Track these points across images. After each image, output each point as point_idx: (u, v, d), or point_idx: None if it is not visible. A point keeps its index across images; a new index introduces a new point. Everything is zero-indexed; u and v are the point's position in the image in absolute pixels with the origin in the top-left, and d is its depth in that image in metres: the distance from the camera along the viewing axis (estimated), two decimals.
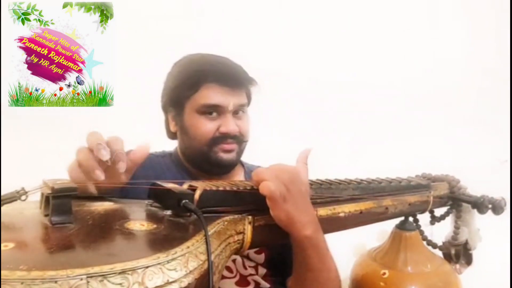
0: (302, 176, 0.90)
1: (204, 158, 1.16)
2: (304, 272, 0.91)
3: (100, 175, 0.76)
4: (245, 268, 1.14)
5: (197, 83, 1.13)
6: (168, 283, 0.55)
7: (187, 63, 1.21)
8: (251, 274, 1.14)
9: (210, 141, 1.14)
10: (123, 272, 0.52)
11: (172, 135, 1.25)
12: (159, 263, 0.55)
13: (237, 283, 1.12)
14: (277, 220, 0.82)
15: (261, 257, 1.15)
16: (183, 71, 1.19)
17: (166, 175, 1.17)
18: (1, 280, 0.47)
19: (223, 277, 1.09)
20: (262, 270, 1.15)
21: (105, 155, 0.76)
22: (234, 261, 1.13)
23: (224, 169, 1.19)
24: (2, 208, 0.65)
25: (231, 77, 1.14)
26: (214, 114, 1.13)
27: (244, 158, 1.28)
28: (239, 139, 1.17)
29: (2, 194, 0.68)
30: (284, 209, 0.81)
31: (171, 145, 1.29)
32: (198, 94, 1.13)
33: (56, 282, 0.48)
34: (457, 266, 1.23)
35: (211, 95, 1.13)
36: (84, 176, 0.78)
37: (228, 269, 1.12)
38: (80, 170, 0.78)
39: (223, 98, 1.13)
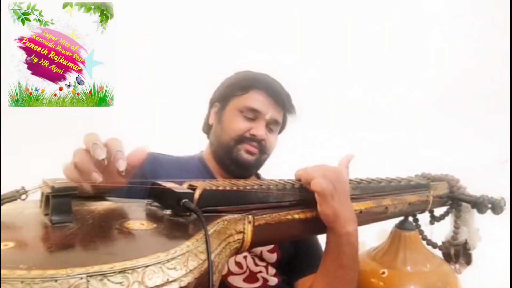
0: (345, 176, 0.97)
1: (227, 152, 1.24)
2: (334, 269, 0.94)
3: (97, 177, 0.76)
4: (256, 266, 1.17)
5: (248, 86, 1.26)
6: (168, 282, 0.55)
7: (245, 72, 1.35)
8: (260, 272, 1.16)
9: (239, 137, 1.24)
10: (123, 271, 0.52)
11: (207, 128, 1.35)
12: (159, 262, 0.55)
13: (245, 279, 1.14)
14: (323, 216, 0.87)
15: (273, 257, 1.19)
16: (240, 75, 1.32)
17: (189, 177, 1.19)
18: (1, 279, 0.47)
19: (232, 273, 1.13)
20: (272, 270, 1.18)
21: (101, 154, 0.76)
22: (245, 258, 1.16)
23: (242, 169, 1.25)
24: (2, 207, 0.65)
25: (277, 93, 1.27)
26: (251, 116, 1.24)
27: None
28: (263, 148, 1.26)
29: (2, 193, 0.68)
30: (332, 206, 0.86)
31: (174, 144, 1.30)
32: (245, 95, 1.26)
33: (56, 281, 0.48)
34: (457, 265, 1.23)
35: (256, 99, 1.25)
36: (80, 177, 0.78)
37: (239, 265, 1.15)
38: (76, 171, 0.78)
39: (264, 105, 1.24)
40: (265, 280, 1.16)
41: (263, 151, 1.26)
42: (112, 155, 0.78)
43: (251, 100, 1.25)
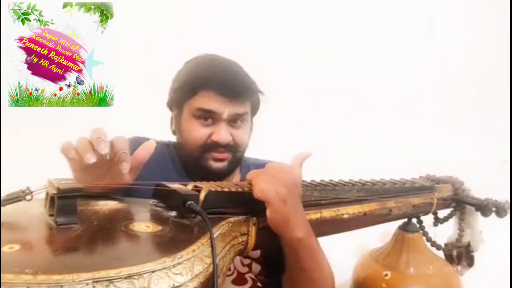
0: (299, 177, 0.89)
1: (195, 163, 1.15)
2: (297, 272, 0.90)
3: (90, 157, 0.75)
4: (243, 265, 1.13)
5: (195, 88, 1.13)
6: (174, 287, 0.55)
7: (192, 66, 1.20)
8: (248, 272, 1.13)
9: (202, 147, 1.13)
10: (129, 276, 0.51)
11: (174, 132, 1.25)
12: (165, 268, 0.55)
13: (233, 281, 1.11)
14: (273, 222, 0.80)
15: (256, 253, 1.14)
16: (187, 74, 1.18)
17: (163, 165, 1.18)
18: (8, 284, 0.46)
19: None
20: (257, 267, 1.14)
21: (104, 148, 0.75)
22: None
23: (215, 177, 1.16)
24: (6, 208, 0.65)
25: (231, 87, 1.12)
26: (210, 120, 1.13)
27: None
28: (233, 149, 1.15)
29: (3, 194, 0.67)
30: (283, 211, 0.79)
31: None
32: (195, 98, 1.13)
33: (62, 286, 0.48)
34: (459, 267, 1.23)
35: (207, 101, 1.11)
36: (76, 160, 0.78)
37: None
38: (73, 151, 0.77)
39: (218, 105, 1.11)
40: (254, 281, 1.12)
41: (235, 151, 1.16)
42: (117, 157, 0.77)
43: (202, 101, 1.12)
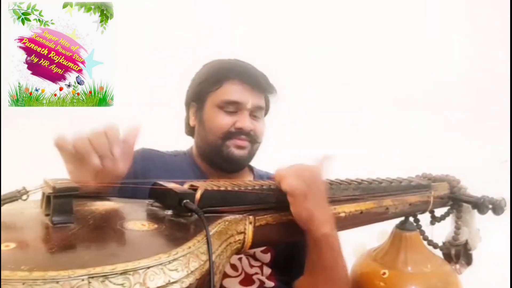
0: (322, 176, 0.92)
1: (217, 152, 1.19)
2: (317, 271, 0.92)
3: (97, 162, 0.78)
4: (251, 267, 1.15)
5: (220, 79, 1.19)
6: (170, 283, 0.56)
7: (214, 63, 1.27)
8: (256, 273, 1.14)
9: (225, 134, 1.17)
10: (124, 272, 0.52)
11: (190, 130, 1.29)
12: (160, 264, 0.55)
13: (241, 282, 1.12)
14: (297, 217, 0.84)
15: (267, 257, 1.16)
16: (210, 69, 1.25)
17: (177, 174, 1.18)
18: (3, 281, 0.47)
19: (228, 276, 1.11)
20: (267, 270, 1.16)
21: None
22: (240, 259, 1.14)
23: (235, 165, 1.21)
24: (3, 207, 0.65)
25: (253, 77, 1.20)
26: (233, 109, 1.18)
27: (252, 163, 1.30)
28: (253, 138, 1.20)
29: (2, 194, 0.68)
30: (305, 207, 0.83)
31: (174, 144, 1.30)
32: (220, 89, 1.19)
33: (57, 282, 0.48)
34: (457, 266, 1.23)
35: (232, 91, 1.18)
36: (71, 153, 0.79)
37: (234, 267, 1.13)
38: (70, 148, 0.79)
39: (242, 95, 1.18)
40: (262, 282, 1.14)
41: (253, 141, 1.21)
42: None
43: (227, 93, 1.18)
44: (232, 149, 1.18)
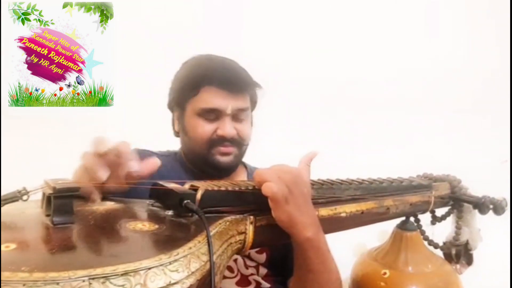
0: (304, 177, 0.89)
1: (203, 160, 1.17)
2: (304, 274, 0.90)
3: (104, 175, 0.77)
4: (246, 268, 1.14)
5: (197, 86, 1.15)
6: (170, 284, 0.55)
7: (191, 66, 1.22)
8: (252, 274, 1.14)
9: (208, 143, 1.15)
10: (125, 273, 0.52)
11: (176, 134, 1.27)
12: (161, 265, 0.55)
13: (237, 283, 1.12)
14: (279, 221, 0.81)
15: (262, 257, 1.15)
16: (187, 73, 1.20)
17: (170, 175, 1.17)
18: (3, 282, 0.47)
19: (224, 277, 1.10)
20: (263, 270, 1.16)
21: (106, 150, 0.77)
22: (235, 260, 1.13)
23: (222, 172, 1.19)
24: (3, 208, 0.65)
25: (231, 81, 1.15)
26: (213, 116, 1.14)
27: (246, 160, 1.28)
28: (238, 142, 1.17)
29: (2, 194, 0.68)
30: (286, 210, 0.80)
31: (174, 145, 1.29)
32: (198, 97, 1.15)
33: (58, 283, 0.48)
34: (458, 266, 1.23)
35: (210, 98, 1.14)
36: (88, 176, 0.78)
37: (229, 268, 1.12)
38: (85, 174, 0.78)
39: (221, 101, 1.13)
40: (258, 283, 1.14)
41: (239, 145, 1.18)
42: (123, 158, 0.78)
43: (205, 100, 1.14)
44: (217, 156, 1.16)
